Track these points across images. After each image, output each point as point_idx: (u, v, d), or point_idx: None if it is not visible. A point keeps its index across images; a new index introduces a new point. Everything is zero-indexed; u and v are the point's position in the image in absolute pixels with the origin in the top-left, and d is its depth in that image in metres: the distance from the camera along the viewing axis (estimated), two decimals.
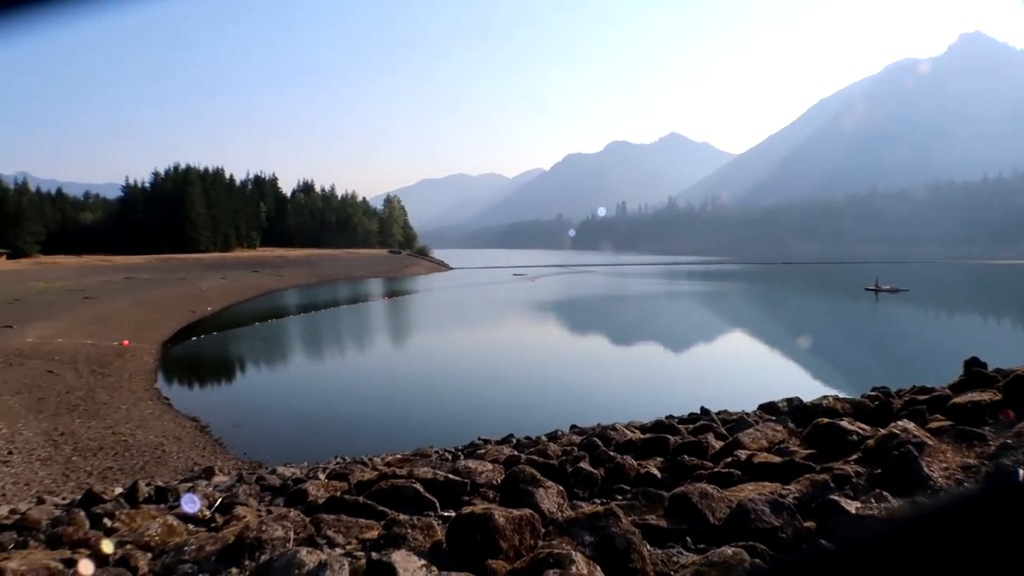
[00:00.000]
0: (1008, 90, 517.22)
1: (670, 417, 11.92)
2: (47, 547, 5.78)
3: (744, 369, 35.83)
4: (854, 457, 5.76)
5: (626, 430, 10.30)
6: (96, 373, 29.88)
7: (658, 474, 6.76)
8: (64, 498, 11.44)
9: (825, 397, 9.46)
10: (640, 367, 36.27)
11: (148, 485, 8.61)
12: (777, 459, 6.21)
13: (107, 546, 4.96)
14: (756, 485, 5.40)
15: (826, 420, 6.91)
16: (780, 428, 8.00)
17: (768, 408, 10.98)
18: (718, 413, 12.01)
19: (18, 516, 7.99)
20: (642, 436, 9.15)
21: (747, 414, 10.92)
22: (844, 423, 6.68)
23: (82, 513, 6.89)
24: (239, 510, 6.50)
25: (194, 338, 43.51)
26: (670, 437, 8.48)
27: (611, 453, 7.74)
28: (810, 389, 23.16)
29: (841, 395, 9.96)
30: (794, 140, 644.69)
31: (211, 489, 8.30)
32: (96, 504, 7.65)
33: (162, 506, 7.64)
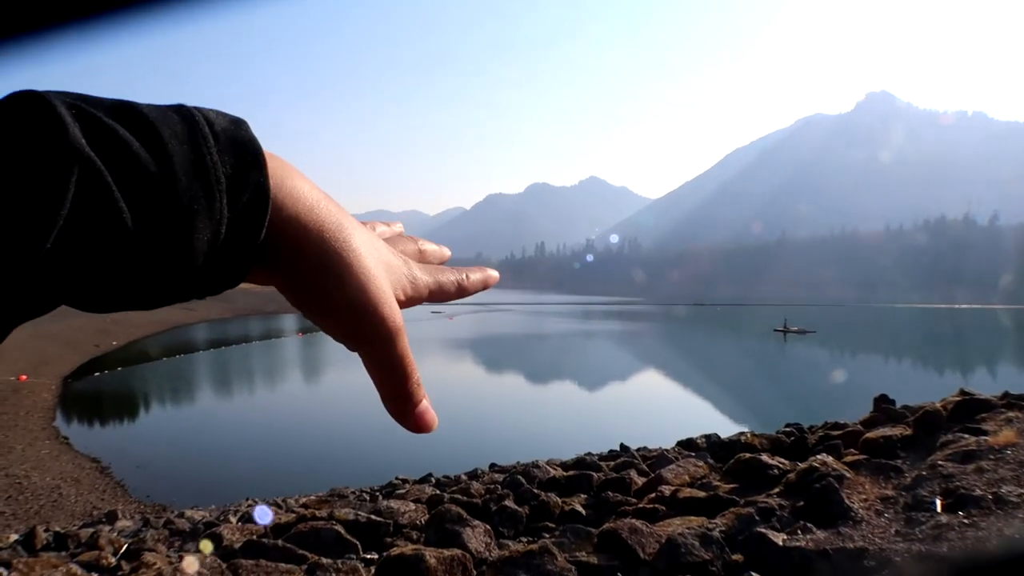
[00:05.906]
0: (909, 146, 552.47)
1: (590, 454, 11.95)
2: None
3: (659, 407, 36.30)
4: (776, 490, 5.86)
5: (548, 467, 10.28)
6: None
7: (583, 511, 6.74)
8: None
9: (742, 433, 9.66)
10: (557, 405, 36.32)
11: (47, 531, 8.05)
12: (701, 494, 6.26)
13: None
14: (683, 520, 5.42)
15: (747, 455, 7.04)
16: (701, 463, 8.09)
17: (687, 444, 11.15)
18: (638, 450, 12.10)
19: None
20: (565, 473, 9.12)
21: (666, 450, 11.04)
22: (765, 457, 6.82)
23: None
24: (147, 556, 6.11)
25: (97, 374, 41.50)
26: (593, 474, 8.49)
27: (535, 491, 7.68)
28: (723, 426, 23.63)
29: (755, 431, 10.17)
30: (709, 187, 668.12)
31: (115, 535, 7.80)
32: None
33: (63, 553, 7.15)
